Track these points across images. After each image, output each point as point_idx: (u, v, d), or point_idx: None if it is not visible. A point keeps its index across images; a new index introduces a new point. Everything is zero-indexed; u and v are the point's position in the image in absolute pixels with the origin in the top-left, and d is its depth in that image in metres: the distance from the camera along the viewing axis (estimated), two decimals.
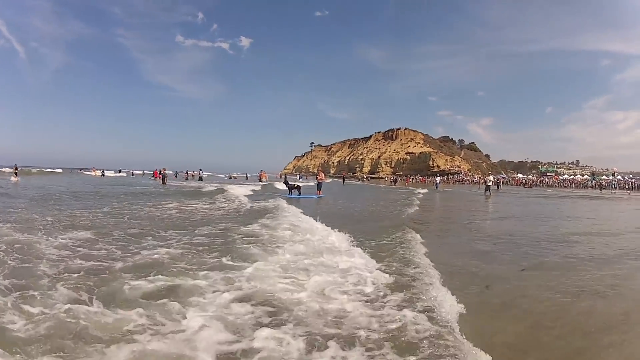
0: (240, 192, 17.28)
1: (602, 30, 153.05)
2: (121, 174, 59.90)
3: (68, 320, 2.70)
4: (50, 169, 63.52)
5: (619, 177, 55.11)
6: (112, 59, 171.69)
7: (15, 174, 29.36)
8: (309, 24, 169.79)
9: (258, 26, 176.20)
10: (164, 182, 26.99)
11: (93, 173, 53.72)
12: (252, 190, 20.55)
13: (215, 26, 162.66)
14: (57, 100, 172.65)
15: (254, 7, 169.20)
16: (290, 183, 18.77)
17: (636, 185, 46.38)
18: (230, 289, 3.57)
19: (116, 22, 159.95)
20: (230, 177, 55.72)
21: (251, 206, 11.59)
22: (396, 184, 53.56)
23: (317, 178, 20.51)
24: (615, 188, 44.06)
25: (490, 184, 27.09)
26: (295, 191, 17.95)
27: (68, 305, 2.94)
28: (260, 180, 38.67)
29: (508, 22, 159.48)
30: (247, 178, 52.87)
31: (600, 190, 42.74)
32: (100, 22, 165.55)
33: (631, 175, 58.53)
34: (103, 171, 55.84)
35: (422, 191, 28.86)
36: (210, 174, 69.08)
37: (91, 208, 10.12)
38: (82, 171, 64.59)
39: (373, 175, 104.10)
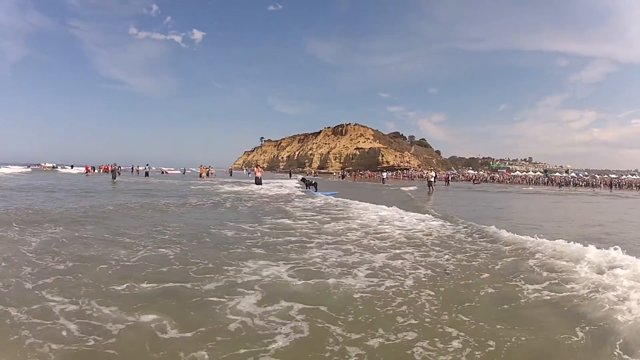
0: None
1: (559, 31, 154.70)
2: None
3: None
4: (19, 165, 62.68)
5: (573, 174, 53.97)
6: (68, 52, 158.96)
7: None
8: (262, 17, 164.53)
9: (211, 19, 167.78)
10: (113, 178, 26.11)
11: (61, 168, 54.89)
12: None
13: (169, 18, 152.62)
14: (17, 95, 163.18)
15: None
16: (307, 180, 20.40)
17: (592, 182, 44.46)
18: None
19: (73, 13, 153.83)
20: (163, 173, 54.36)
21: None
22: (343, 179, 52.53)
23: (255, 172, 21.16)
24: (574, 185, 42.18)
25: (432, 179, 26.09)
26: (312, 187, 18.94)
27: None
28: (200, 177, 35.25)
29: (461, 19, 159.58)
30: (184, 173, 53.04)
31: (559, 187, 39.69)
32: (58, 13, 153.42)
33: (586, 173, 58.09)
34: (54, 165, 59.59)
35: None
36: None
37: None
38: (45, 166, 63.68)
39: (322, 171, 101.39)
